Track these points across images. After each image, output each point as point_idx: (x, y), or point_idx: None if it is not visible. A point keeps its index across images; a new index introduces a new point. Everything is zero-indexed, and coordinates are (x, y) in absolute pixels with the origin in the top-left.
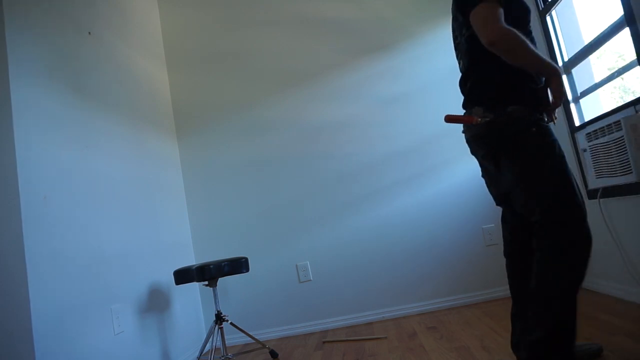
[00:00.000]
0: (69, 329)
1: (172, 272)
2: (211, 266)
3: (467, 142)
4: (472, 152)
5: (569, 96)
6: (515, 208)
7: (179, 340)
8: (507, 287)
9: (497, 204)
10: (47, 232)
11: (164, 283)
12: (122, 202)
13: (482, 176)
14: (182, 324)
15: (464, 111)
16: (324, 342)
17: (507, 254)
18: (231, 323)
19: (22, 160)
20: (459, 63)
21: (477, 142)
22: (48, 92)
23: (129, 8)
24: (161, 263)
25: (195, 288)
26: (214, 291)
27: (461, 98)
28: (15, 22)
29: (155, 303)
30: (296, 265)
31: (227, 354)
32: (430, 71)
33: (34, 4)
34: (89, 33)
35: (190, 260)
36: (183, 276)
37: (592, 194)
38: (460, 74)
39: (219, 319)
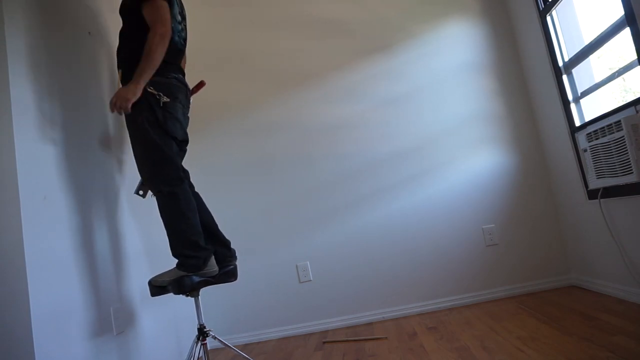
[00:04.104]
0: (69, 329)
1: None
2: (193, 277)
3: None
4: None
5: (570, 96)
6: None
7: (180, 336)
8: (507, 287)
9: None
10: (47, 232)
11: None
12: (122, 201)
13: (179, 117)
14: (184, 320)
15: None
16: (324, 343)
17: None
18: (214, 337)
19: (22, 160)
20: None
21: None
22: (48, 92)
23: None
24: (162, 263)
25: None
26: (196, 302)
27: (461, 97)
28: (15, 22)
29: (155, 302)
30: (296, 265)
31: None
32: (431, 71)
33: (34, 4)
34: (89, 33)
35: None
36: (159, 289)
37: (592, 194)
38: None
39: (203, 334)
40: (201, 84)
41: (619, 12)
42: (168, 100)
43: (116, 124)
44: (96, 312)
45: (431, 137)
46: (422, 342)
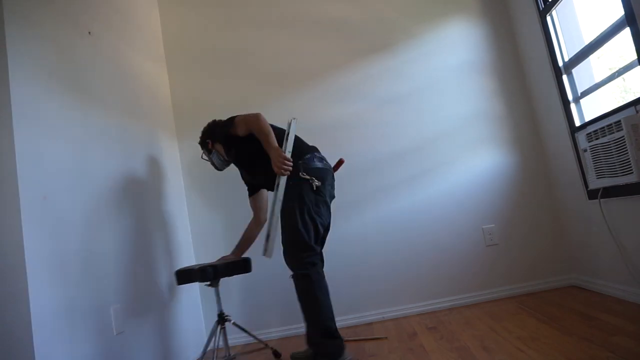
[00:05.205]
0: (69, 329)
1: (174, 272)
2: (211, 267)
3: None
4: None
5: (570, 96)
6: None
7: (179, 340)
8: (507, 287)
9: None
10: (47, 232)
11: (164, 283)
12: (122, 201)
13: (323, 206)
14: (182, 324)
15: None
16: None
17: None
18: (234, 323)
19: (22, 160)
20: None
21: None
22: (48, 92)
23: (128, 8)
24: (161, 263)
25: (195, 288)
26: (216, 291)
27: (461, 97)
28: (15, 22)
29: (155, 303)
30: None
31: (230, 354)
32: (430, 71)
33: (34, 4)
34: (89, 33)
35: (191, 260)
36: (185, 276)
37: (592, 194)
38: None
39: (222, 319)
40: (340, 163)
41: (619, 12)
42: (320, 184)
43: (119, 122)
44: (96, 312)
45: (431, 137)
46: (422, 342)
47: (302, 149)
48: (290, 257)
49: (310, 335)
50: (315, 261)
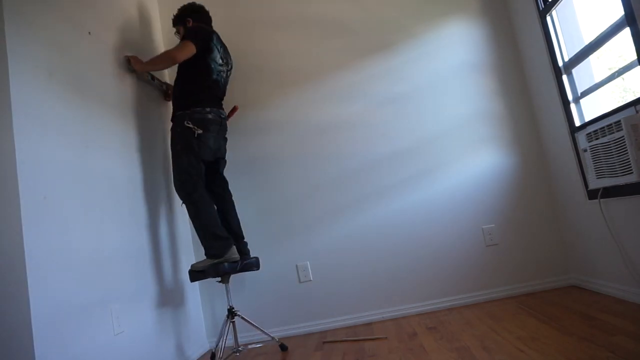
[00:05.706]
0: (69, 329)
1: (188, 270)
2: (225, 264)
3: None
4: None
5: (570, 96)
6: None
7: (179, 340)
8: (507, 287)
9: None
10: (47, 232)
11: (164, 282)
12: (122, 201)
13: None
14: (183, 324)
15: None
16: (324, 343)
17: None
18: (242, 317)
19: (22, 160)
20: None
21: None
22: (48, 92)
23: (128, 8)
24: (161, 263)
25: (195, 287)
26: (227, 287)
27: (461, 97)
28: (15, 22)
29: (155, 303)
30: (296, 265)
31: (239, 347)
32: (430, 71)
33: (34, 4)
34: (89, 33)
35: (191, 260)
36: (198, 274)
37: (592, 194)
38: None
39: (231, 313)
40: (234, 109)
41: (619, 12)
42: (201, 132)
43: (119, 122)
44: (96, 311)
45: (431, 137)
46: (422, 342)
47: (195, 101)
48: (178, 189)
49: (203, 242)
50: (197, 188)
